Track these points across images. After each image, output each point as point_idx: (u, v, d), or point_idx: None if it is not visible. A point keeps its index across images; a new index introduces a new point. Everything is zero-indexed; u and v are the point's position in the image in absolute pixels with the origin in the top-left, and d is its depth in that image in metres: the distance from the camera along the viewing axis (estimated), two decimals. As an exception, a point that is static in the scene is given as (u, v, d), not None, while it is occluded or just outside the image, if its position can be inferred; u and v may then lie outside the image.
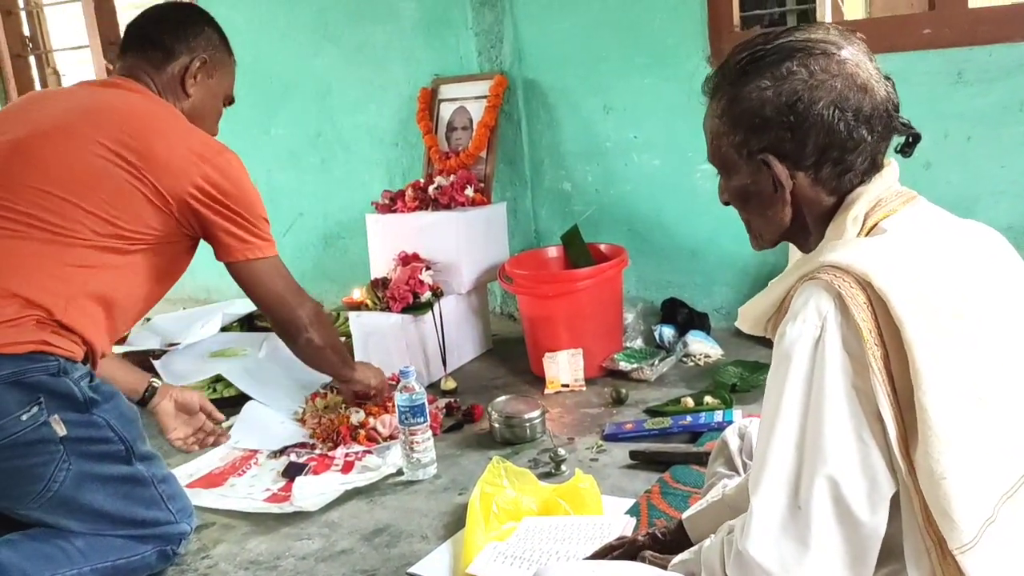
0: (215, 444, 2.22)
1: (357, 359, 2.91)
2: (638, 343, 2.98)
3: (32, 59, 4.71)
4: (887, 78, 1.12)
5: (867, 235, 1.09)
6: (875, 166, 1.13)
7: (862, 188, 1.12)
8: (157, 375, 2.55)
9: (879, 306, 1.00)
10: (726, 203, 1.24)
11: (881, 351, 0.99)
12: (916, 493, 0.99)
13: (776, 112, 1.09)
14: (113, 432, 1.78)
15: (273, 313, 2.11)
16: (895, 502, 1.01)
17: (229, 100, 2.16)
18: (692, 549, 1.25)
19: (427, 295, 2.89)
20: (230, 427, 2.60)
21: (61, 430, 1.70)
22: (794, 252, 3.09)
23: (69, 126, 1.84)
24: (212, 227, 1.91)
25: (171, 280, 2.01)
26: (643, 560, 1.35)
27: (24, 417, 1.67)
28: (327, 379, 2.89)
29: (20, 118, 1.90)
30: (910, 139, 1.16)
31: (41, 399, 1.68)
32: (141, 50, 2.01)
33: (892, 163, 1.16)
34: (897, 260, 1.03)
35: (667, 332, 3.00)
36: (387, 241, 3.08)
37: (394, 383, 2.52)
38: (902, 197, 1.13)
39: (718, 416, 2.31)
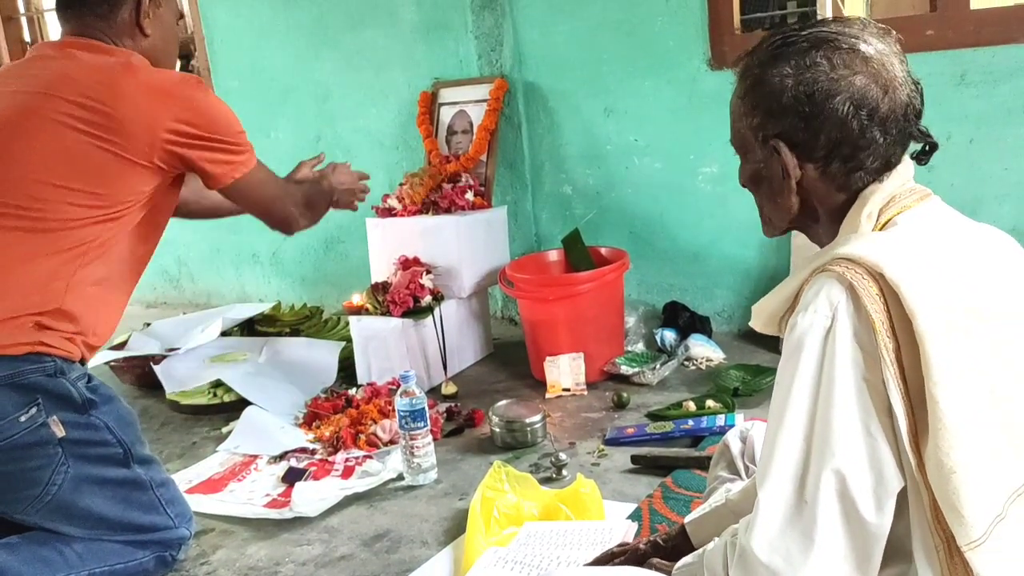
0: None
1: (357, 362, 2.90)
2: (639, 347, 2.97)
3: (33, 64, 4.71)
4: (916, 83, 1.11)
5: (880, 231, 1.08)
6: (887, 167, 1.11)
7: (876, 185, 1.11)
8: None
9: (891, 297, 0.99)
10: (744, 185, 1.23)
11: (893, 343, 0.98)
12: (925, 488, 0.98)
13: (793, 100, 1.08)
14: (111, 434, 1.78)
15: (269, 217, 2.11)
16: (904, 501, 1.00)
17: (180, 15, 2.17)
18: (695, 553, 1.24)
19: (427, 299, 2.88)
20: (229, 433, 2.60)
21: (60, 431, 1.69)
22: (796, 254, 3.08)
23: (34, 109, 1.78)
24: (196, 160, 1.87)
25: (165, 219, 2.01)
26: (651, 567, 1.33)
27: (23, 419, 1.66)
28: (327, 385, 2.89)
29: None
30: (926, 147, 1.14)
31: (39, 400, 1.68)
32: (82, 5, 1.91)
33: (906, 160, 1.14)
34: (910, 252, 1.02)
35: (668, 336, 2.99)
36: (387, 245, 3.07)
37: (396, 387, 2.51)
38: (916, 194, 1.12)
39: (720, 420, 2.30)
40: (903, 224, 1.07)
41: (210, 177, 1.91)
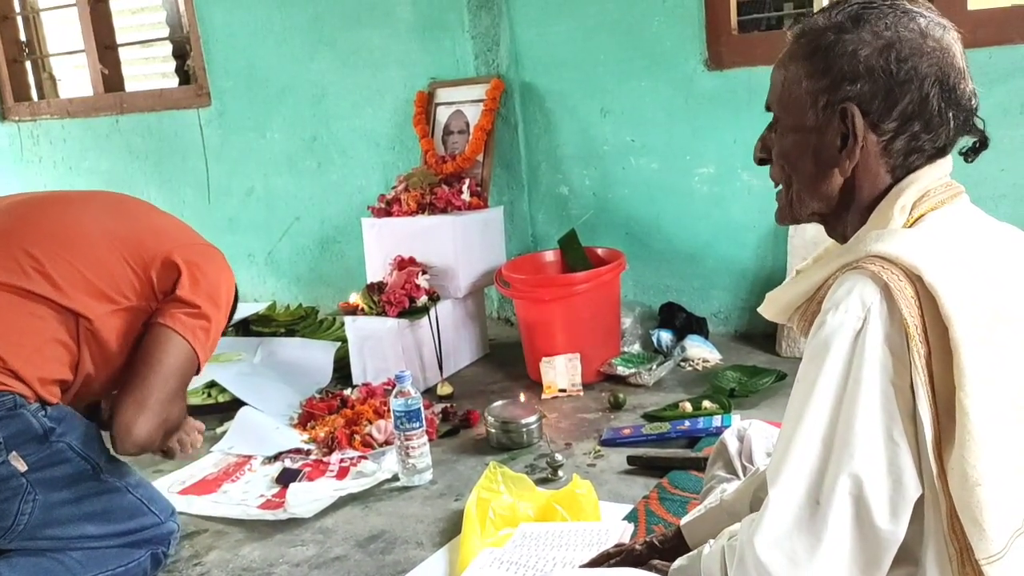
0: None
1: (352, 363, 2.89)
2: (636, 348, 2.96)
3: (28, 64, 4.70)
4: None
5: (911, 226, 1.05)
6: (940, 154, 1.08)
7: (916, 174, 1.07)
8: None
9: (927, 302, 0.96)
10: (761, 161, 1.17)
11: (925, 349, 0.95)
12: (945, 498, 0.96)
13: (880, 62, 1.03)
14: (75, 453, 1.76)
15: (132, 393, 1.80)
16: (918, 507, 0.98)
17: None
18: (689, 555, 1.23)
19: (423, 299, 2.87)
20: (223, 433, 2.59)
21: (21, 466, 1.68)
22: (794, 255, 3.05)
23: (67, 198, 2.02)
24: (174, 288, 1.87)
25: (121, 357, 1.88)
26: (652, 569, 1.32)
27: None
28: (323, 385, 2.88)
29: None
30: (976, 145, 1.11)
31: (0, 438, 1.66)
32: None
33: (948, 155, 1.10)
34: (946, 255, 0.99)
35: (665, 337, 2.99)
36: (383, 245, 3.06)
37: (391, 388, 2.50)
38: (950, 190, 1.08)
39: (716, 421, 2.30)
40: (933, 222, 1.04)
41: (164, 311, 1.87)
